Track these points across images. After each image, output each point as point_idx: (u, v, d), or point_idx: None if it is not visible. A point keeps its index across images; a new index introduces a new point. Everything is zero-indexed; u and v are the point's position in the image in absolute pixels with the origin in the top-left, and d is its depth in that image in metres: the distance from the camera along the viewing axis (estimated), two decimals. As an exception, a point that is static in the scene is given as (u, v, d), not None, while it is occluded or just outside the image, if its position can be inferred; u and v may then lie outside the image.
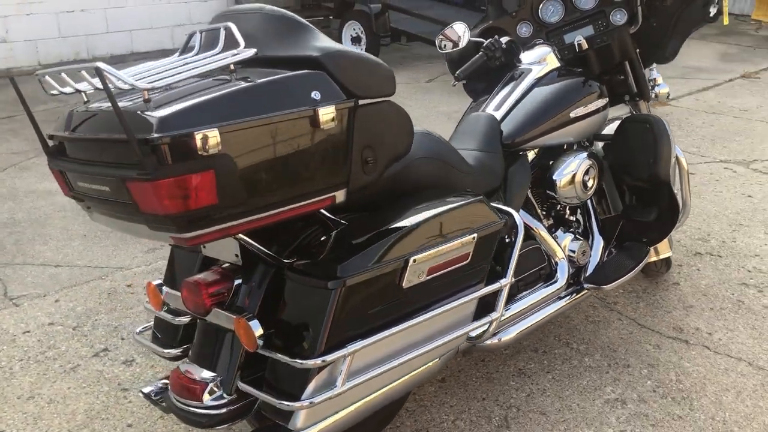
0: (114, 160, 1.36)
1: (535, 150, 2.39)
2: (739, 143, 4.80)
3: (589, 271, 2.41)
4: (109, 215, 1.51)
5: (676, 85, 6.20)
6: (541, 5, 2.55)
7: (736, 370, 2.36)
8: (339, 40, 7.24)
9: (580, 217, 2.52)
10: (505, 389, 2.27)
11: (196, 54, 1.57)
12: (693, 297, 2.81)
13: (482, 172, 2.08)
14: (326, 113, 1.43)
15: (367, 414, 1.72)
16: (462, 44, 2.42)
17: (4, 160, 4.68)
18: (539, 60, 2.42)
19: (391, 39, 7.52)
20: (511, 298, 2.11)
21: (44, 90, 1.57)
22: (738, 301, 2.78)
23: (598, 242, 2.48)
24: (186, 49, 1.64)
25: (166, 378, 1.86)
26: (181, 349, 1.86)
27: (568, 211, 2.46)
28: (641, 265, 2.45)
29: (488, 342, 1.99)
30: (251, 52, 1.46)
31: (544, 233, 2.26)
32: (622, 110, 2.81)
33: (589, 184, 2.36)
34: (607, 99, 2.44)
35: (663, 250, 2.75)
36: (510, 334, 2.07)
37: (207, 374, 1.67)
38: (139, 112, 1.32)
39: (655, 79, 2.71)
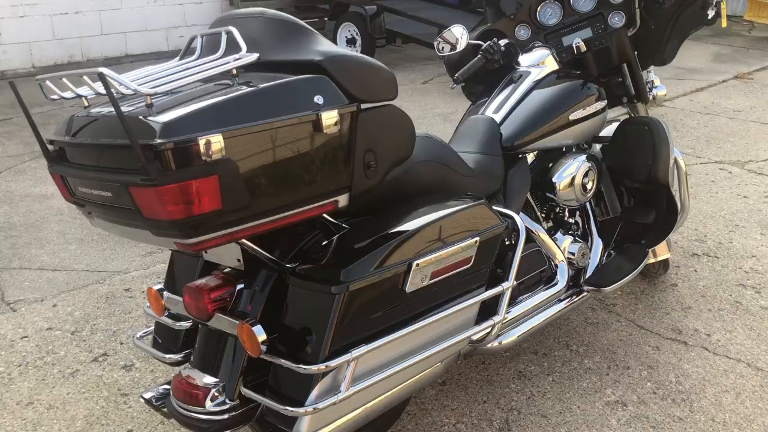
0: (116, 165, 1.36)
1: (534, 153, 2.39)
2: (734, 144, 4.82)
3: (589, 273, 2.42)
4: (111, 221, 1.50)
5: (670, 86, 6.22)
6: (539, 8, 2.55)
7: (735, 371, 2.37)
8: (334, 41, 7.24)
9: (579, 219, 2.52)
10: (506, 392, 2.27)
11: (198, 58, 1.57)
12: (691, 298, 2.82)
13: (483, 175, 2.08)
14: (329, 117, 1.43)
15: (369, 419, 1.72)
16: (460, 47, 2.43)
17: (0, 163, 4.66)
18: (538, 62, 2.42)
19: (386, 41, 7.53)
20: (512, 301, 2.11)
21: (44, 95, 1.57)
22: (736, 302, 2.79)
23: (598, 244, 2.49)
24: (187, 53, 1.64)
25: (167, 383, 1.86)
26: (182, 355, 1.86)
27: (567, 214, 2.47)
28: (641, 266, 2.46)
29: (489, 345, 1.99)
30: (254, 56, 1.46)
31: (544, 236, 2.27)
32: (617, 111, 2.82)
33: (589, 186, 2.36)
34: (606, 101, 2.44)
35: (661, 251, 2.76)
36: (511, 337, 2.07)
37: (209, 379, 1.66)
38: (142, 118, 1.31)
39: (652, 81, 2.72)
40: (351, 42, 7.43)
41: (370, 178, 1.57)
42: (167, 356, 1.87)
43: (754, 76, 6.85)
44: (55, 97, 1.54)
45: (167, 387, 1.84)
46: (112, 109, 1.42)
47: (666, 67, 2.71)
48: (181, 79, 1.40)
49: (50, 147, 1.55)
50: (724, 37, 8.68)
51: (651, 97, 2.69)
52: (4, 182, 4.30)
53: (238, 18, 1.61)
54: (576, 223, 2.50)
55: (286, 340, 1.56)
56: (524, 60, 2.45)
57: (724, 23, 2.53)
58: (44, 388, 2.31)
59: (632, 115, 2.75)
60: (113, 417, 2.17)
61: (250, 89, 1.39)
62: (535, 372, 2.37)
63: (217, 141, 1.28)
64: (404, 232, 1.62)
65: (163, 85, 1.37)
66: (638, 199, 2.54)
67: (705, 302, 2.79)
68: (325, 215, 1.61)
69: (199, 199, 1.29)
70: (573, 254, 2.35)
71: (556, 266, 2.26)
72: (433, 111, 5.70)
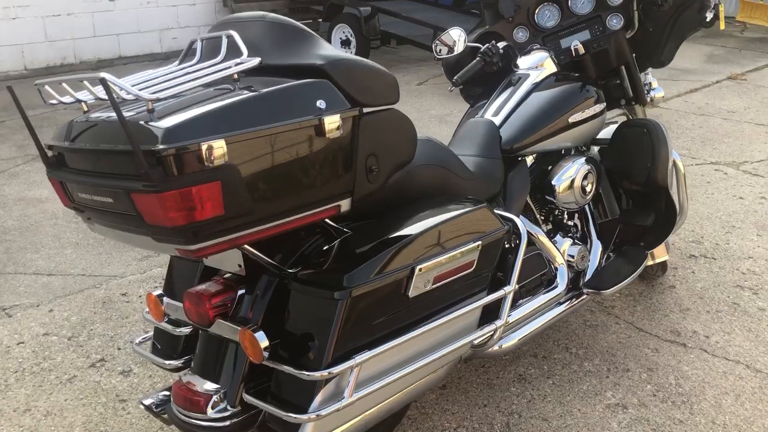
0: (118, 171, 1.34)
1: (533, 155, 2.39)
2: (729, 145, 4.83)
3: (588, 276, 2.42)
4: (111, 227, 1.49)
5: (664, 87, 6.21)
6: (537, 10, 2.55)
7: (735, 373, 2.37)
8: (328, 43, 7.22)
9: (578, 221, 2.52)
10: (506, 395, 2.26)
11: (198, 62, 1.56)
12: (689, 300, 2.82)
13: (483, 178, 2.08)
14: (331, 122, 1.42)
15: (371, 424, 1.71)
16: (458, 49, 2.42)
17: (-8, 166, 4.62)
18: (536, 65, 2.42)
19: (381, 42, 7.52)
20: (513, 305, 2.10)
21: (43, 99, 1.55)
22: (734, 303, 2.80)
23: (597, 247, 2.49)
24: (186, 57, 1.63)
25: (167, 389, 1.84)
26: (182, 361, 1.84)
27: (566, 216, 2.47)
28: (640, 269, 2.46)
29: (491, 349, 1.98)
30: (256, 60, 1.45)
31: (544, 239, 2.26)
32: (612, 113, 2.81)
33: (588, 188, 2.36)
34: (605, 104, 2.45)
35: (660, 253, 2.76)
36: (511, 341, 2.07)
37: (210, 386, 1.65)
38: (143, 123, 1.30)
39: (650, 83, 2.72)
40: (345, 43, 7.43)
41: (372, 182, 1.56)
42: (167, 362, 1.85)
43: (748, 76, 6.88)
44: (53, 101, 1.53)
45: (167, 393, 1.82)
46: (112, 114, 1.41)
47: (660, 68, 2.71)
48: (182, 83, 1.38)
49: (49, 152, 1.54)
50: (717, 37, 8.72)
51: (649, 99, 2.70)
52: (-3, 186, 4.27)
53: (238, 22, 1.60)
54: (575, 225, 2.50)
55: (288, 346, 1.55)
56: (523, 62, 2.45)
57: (722, 25, 2.53)
58: (41, 395, 2.29)
59: (630, 117, 2.75)
60: (112, 423, 2.15)
61: (252, 94, 1.38)
62: (535, 375, 2.36)
63: (219, 146, 1.27)
64: (407, 236, 1.61)
65: (164, 90, 1.35)
66: (637, 201, 2.55)
67: (703, 304, 2.79)
68: (326, 219, 1.60)
69: (202, 205, 1.28)
70: (572, 257, 2.35)
71: (556, 269, 2.26)
72: (428, 113, 5.70)
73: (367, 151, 1.53)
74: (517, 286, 1.96)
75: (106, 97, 1.40)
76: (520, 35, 2.56)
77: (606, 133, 2.57)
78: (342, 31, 7.49)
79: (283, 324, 1.58)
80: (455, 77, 2.44)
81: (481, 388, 2.30)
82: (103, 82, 1.25)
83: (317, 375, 1.46)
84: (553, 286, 2.23)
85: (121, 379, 2.37)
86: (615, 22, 2.50)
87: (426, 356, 1.68)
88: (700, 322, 2.67)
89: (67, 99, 1.50)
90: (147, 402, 1.82)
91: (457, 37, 2.43)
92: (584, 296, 2.36)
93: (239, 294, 1.64)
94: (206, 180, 1.27)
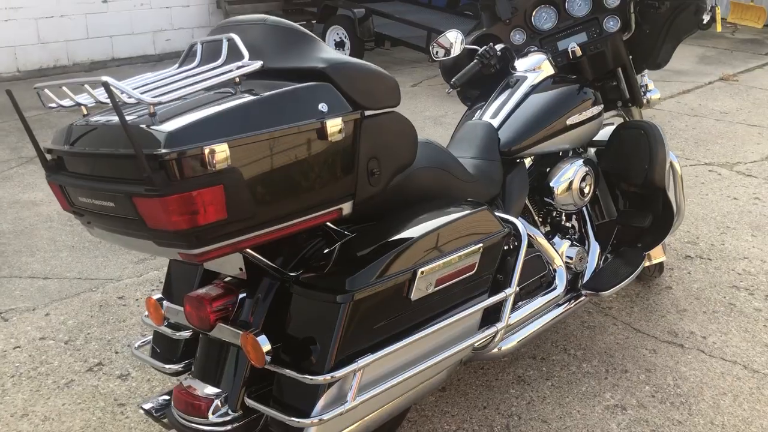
0: (119, 175, 1.34)
1: (532, 157, 2.39)
2: (722, 146, 4.86)
3: (587, 277, 2.42)
4: (112, 231, 1.48)
5: (657, 88, 6.27)
6: (534, 12, 2.56)
7: (732, 373, 2.38)
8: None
9: (575, 223, 2.53)
10: (506, 397, 2.27)
11: (198, 65, 1.55)
12: (686, 301, 2.83)
13: (482, 180, 2.08)
14: (334, 125, 1.42)
15: (372, 428, 1.70)
16: (455, 52, 2.42)
17: (-15, 169, 4.60)
18: (534, 67, 2.42)
19: (375, 44, 7.52)
20: (513, 307, 2.10)
21: (42, 103, 1.55)
22: (730, 304, 2.81)
23: (595, 248, 2.50)
24: (186, 59, 1.62)
25: (166, 393, 1.84)
26: (182, 365, 1.83)
27: (564, 218, 2.47)
28: (638, 270, 2.47)
29: (490, 351, 1.98)
30: (258, 64, 1.44)
31: (542, 240, 2.27)
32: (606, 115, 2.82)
33: (586, 190, 2.37)
34: (602, 106, 2.45)
35: (656, 255, 2.78)
36: (511, 343, 2.07)
37: (211, 390, 1.64)
38: (145, 127, 1.29)
39: (646, 85, 2.73)
40: (339, 45, 7.43)
41: (374, 185, 1.56)
42: (167, 366, 1.84)
43: (739, 77, 6.93)
44: (53, 105, 1.52)
45: (166, 397, 1.82)
46: (112, 117, 1.40)
47: (656, 70, 2.73)
48: (184, 87, 1.38)
49: (48, 156, 1.53)
50: (708, 39, 8.77)
51: (645, 101, 2.71)
52: (-9, 189, 4.24)
53: (238, 25, 1.60)
54: (573, 227, 2.51)
55: (290, 350, 1.55)
56: (520, 64, 2.45)
57: (719, 27, 2.55)
58: (39, 399, 2.28)
59: (626, 119, 2.76)
60: (110, 428, 2.14)
61: (254, 97, 1.38)
62: (534, 377, 2.37)
63: (222, 150, 1.27)
64: (408, 239, 1.61)
65: (166, 93, 1.35)
66: (634, 202, 2.55)
67: (699, 305, 2.81)
68: (327, 222, 1.60)
69: (205, 209, 1.27)
70: (571, 258, 2.35)
71: (555, 271, 2.26)
72: (423, 114, 5.70)
73: (368, 154, 1.53)
74: (518, 288, 1.96)
75: (106, 101, 1.40)
76: (518, 37, 2.56)
77: (603, 134, 2.57)
78: (336, 32, 7.49)
79: (284, 328, 1.57)
80: (453, 79, 2.44)
81: (480, 390, 2.30)
82: (106, 85, 1.24)
83: (320, 379, 1.46)
84: (552, 287, 2.24)
85: (119, 383, 2.35)
86: (612, 24, 2.50)
87: (428, 359, 1.68)
88: (696, 322, 2.68)
89: (66, 102, 1.49)
90: (146, 406, 1.82)
91: (454, 40, 2.43)
92: (583, 297, 2.36)
93: (240, 298, 1.63)
94: (209, 184, 1.27)
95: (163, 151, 1.23)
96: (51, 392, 2.31)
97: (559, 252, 2.33)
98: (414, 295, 1.61)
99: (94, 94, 1.41)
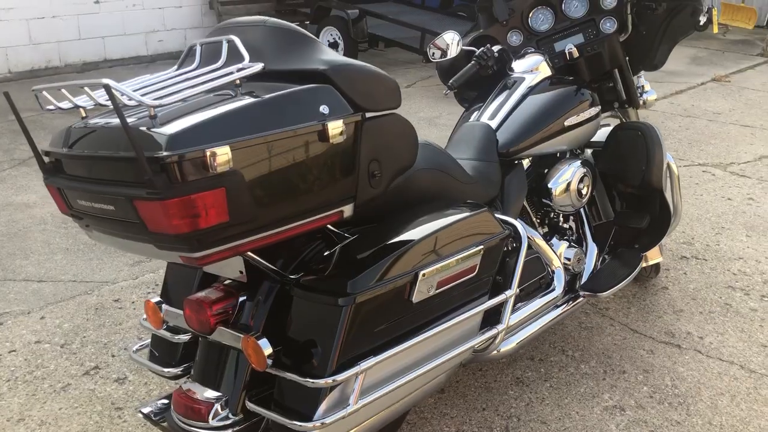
0: (119, 178, 1.32)
1: (530, 158, 2.39)
2: (715, 146, 4.88)
3: (584, 278, 2.42)
4: (111, 234, 1.46)
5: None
6: (531, 14, 2.56)
7: (729, 373, 2.39)
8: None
9: (573, 224, 2.53)
10: (505, 399, 2.26)
11: (197, 67, 1.54)
12: (682, 301, 2.84)
13: (481, 181, 2.08)
14: (335, 127, 1.42)
15: (373, 431, 1.70)
16: (452, 53, 2.42)
17: (-22, 171, 4.55)
18: (531, 68, 2.42)
19: (369, 45, 7.52)
20: (512, 308, 2.10)
21: (40, 105, 1.53)
22: (726, 304, 2.82)
23: (592, 249, 2.50)
24: (185, 61, 1.61)
25: (165, 397, 1.83)
26: (181, 368, 1.82)
27: (561, 219, 2.48)
28: (636, 271, 2.47)
29: (490, 353, 1.98)
30: (259, 66, 1.43)
31: (541, 242, 2.26)
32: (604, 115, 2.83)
33: (584, 191, 2.37)
34: (600, 107, 2.46)
35: (653, 255, 2.78)
36: (510, 344, 2.07)
37: (211, 393, 1.63)
38: (146, 129, 1.28)
39: (643, 86, 2.74)
40: (333, 46, 7.41)
41: (375, 187, 1.56)
42: (166, 370, 1.83)
43: (731, 78, 6.96)
44: (51, 107, 1.50)
45: (165, 401, 1.81)
46: (112, 120, 1.39)
47: (653, 71, 2.74)
48: (184, 89, 1.37)
49: (46, 158, 1.51)
50: (700, 39, 8.81)
51: (642, 102, 2.71)
52: (-17, 191, 4.20)
53: (238, 27, 1.59)
54: (570, 228, 2.51)
55: (291, 353, 1.54)
56: (518, 66, 2.45)
57: (715, 29, 2.56)
58: (35, 404, 2.26)
59: (623, 120, 2.77)
60: (108, 432, 2.13)
61: (255, 100, 1.37)
62: (532, 378, 2.37)
63: (223, 153, 1.26)
64: (409, 241, 1.61)
65: (166, 96, 1.34)
66: (631, 203, 2.56)
67: (696, 305, 2.81)
68: (327, 224, 1.59)
69: (206, 212, 1.26)
70: (569, 259, 2.35)
71: (553, 272, 2.27)
72: (417, 115, 5.70)
73: (369, 156, 1.52)
74: (518, 290, 1.96)
75: (106, 103, 1.39)
76: (515, 39, 2.56)
77: (600, 135, 2.58)
78: (330, 33, 7.48)
79: (285, 331, 1.56)
80: (450, 81, 2.44)
81: (479, 392, 2.30)
82: (107, 88, 1.23)
83: (322, 382, 1.45)
84: (550, 289, 2.24)
85: (116, 386, 2.34)
86: (609, 26, 2.51)
87: (429, 361, 1.68)
88: (693, 323, 2.69)
89: (65, 104, 1.48)
90: (145, 410, 1.80)
91: (451, 41, 2.43)
92: (581, 299, 2.36)
93: (240, 301, 1.62)
94: (211, 187, 1.26)
95: (165, 153, 1.22)
96: (47, 396, 2.29)
97: (558, 253, 2.33)
98: (416, 298, 1.61)
99: (93, 96, 1.40)
